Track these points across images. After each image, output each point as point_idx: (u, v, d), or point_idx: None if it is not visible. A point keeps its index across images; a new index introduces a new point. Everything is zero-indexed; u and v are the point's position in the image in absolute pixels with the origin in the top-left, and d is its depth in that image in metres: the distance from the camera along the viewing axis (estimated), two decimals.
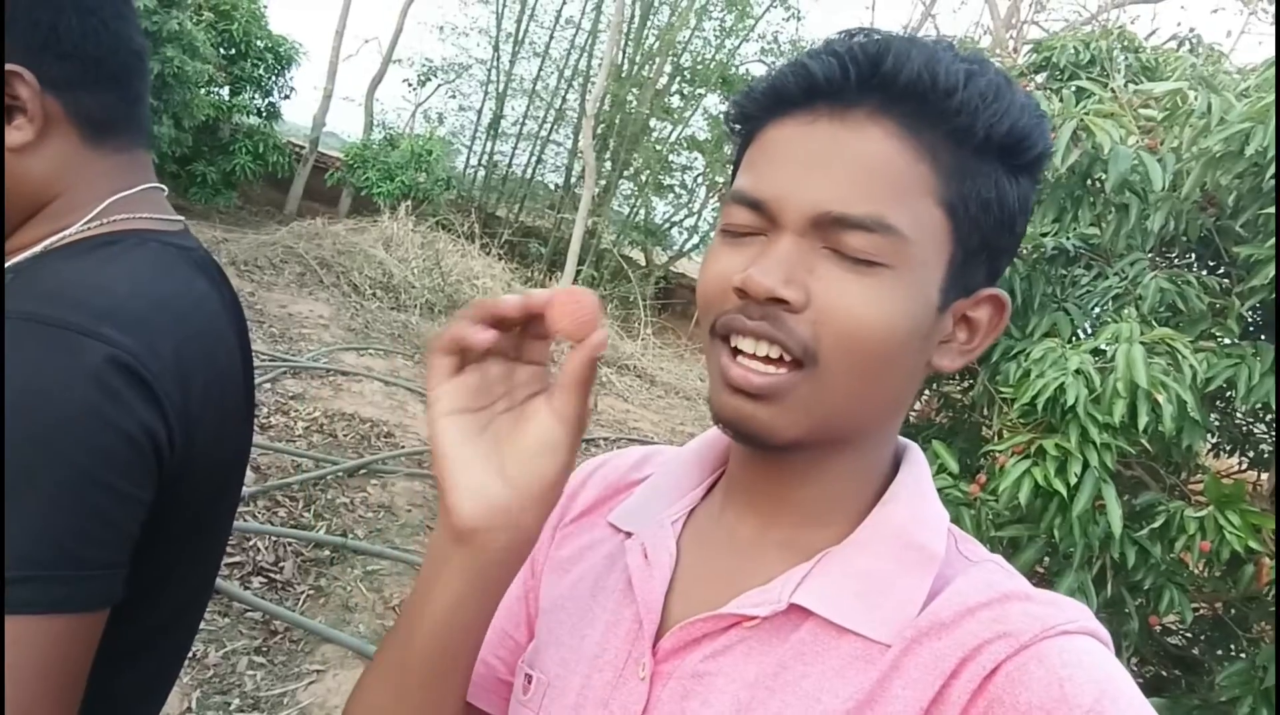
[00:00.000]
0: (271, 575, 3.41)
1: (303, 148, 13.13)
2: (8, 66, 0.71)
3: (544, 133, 14.59)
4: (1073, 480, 1.90)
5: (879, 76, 0.52)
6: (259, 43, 11.13)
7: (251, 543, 3.56)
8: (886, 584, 0.54)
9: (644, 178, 14.04)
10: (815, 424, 0.53)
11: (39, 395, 0.62)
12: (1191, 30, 3.12)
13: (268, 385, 5.57)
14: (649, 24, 13.81)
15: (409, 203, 10.93)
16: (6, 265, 0.74)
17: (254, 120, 11.55)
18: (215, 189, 10.87)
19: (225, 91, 11.21)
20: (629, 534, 0.65)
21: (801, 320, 0.51)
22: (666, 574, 0.61)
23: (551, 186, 15.10)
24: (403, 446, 5.31)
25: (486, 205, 14.21)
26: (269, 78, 11.47)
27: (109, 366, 0.65)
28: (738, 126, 0.59)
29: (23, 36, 0.72)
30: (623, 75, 13.40)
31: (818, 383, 0.52)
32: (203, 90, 9.78)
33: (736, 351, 0.53)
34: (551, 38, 14.49)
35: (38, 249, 0.74)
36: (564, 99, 14.49)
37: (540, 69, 14.59)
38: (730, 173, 0.62)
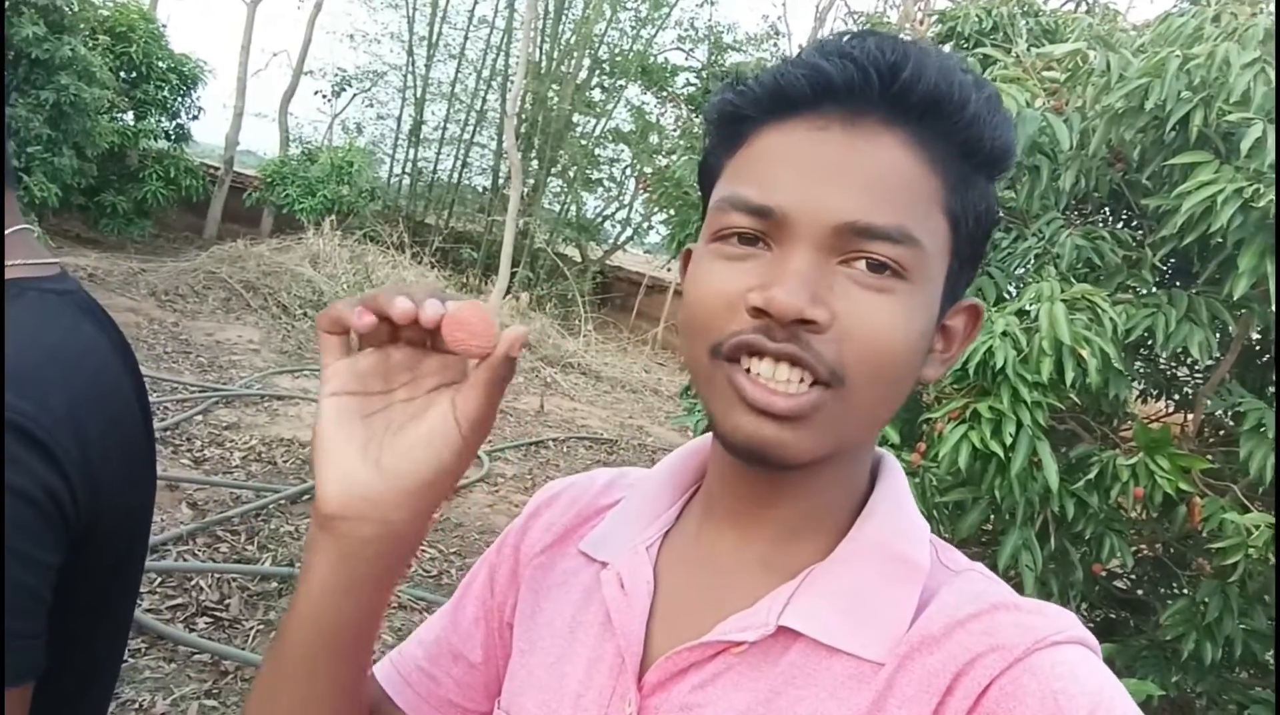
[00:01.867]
0: (217, 614, 3.29)
1: (217, 169, 12.74)
2: None
3: (467, 136, 14.40)
4: (1008, 440, 1.94)
5: (898, 85, 0.51)
6: (161, 64, 10.75)
7: (194, 582, 3.44)
8: (874, 600, 0.53)
9: (572, 174, 13.96)
10: (842, 440, 0.52)
11: None
12: None
13: (199, 417, 5.38)
14: (564, 19, 13.72)
15: (334, 217, 10.69)
16: None
17: (162, 144, 11.16)
18: (127, 219, 10.48)
19: (129, 117, 10.81)
20: (604, 564, 0.63)
21: (827, 340, 0.49)
22: (645, 603, 0.59)
23: (479, 189, 14.92)
24: None
25: (414, 214, 13.97)
26: (174, 99, 11.08)
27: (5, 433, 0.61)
28: (727, 126, 0.56)
29: None
30: (541, 72, 13.29)
31: (843, 403, 0.50)
32: (104, 117, 9.41)
33: (747, 371, 0.51)
34: (466, 39, 14.29)
35: None
36: (484, 100, 14.32)
37: (457, 71, 14.39)
38: (700, 172, 0.60)
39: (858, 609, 0.53)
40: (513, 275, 10.01)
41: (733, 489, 0.58)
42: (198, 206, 12.33)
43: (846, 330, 0.49)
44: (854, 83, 0.51)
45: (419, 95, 14.46)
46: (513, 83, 11.38)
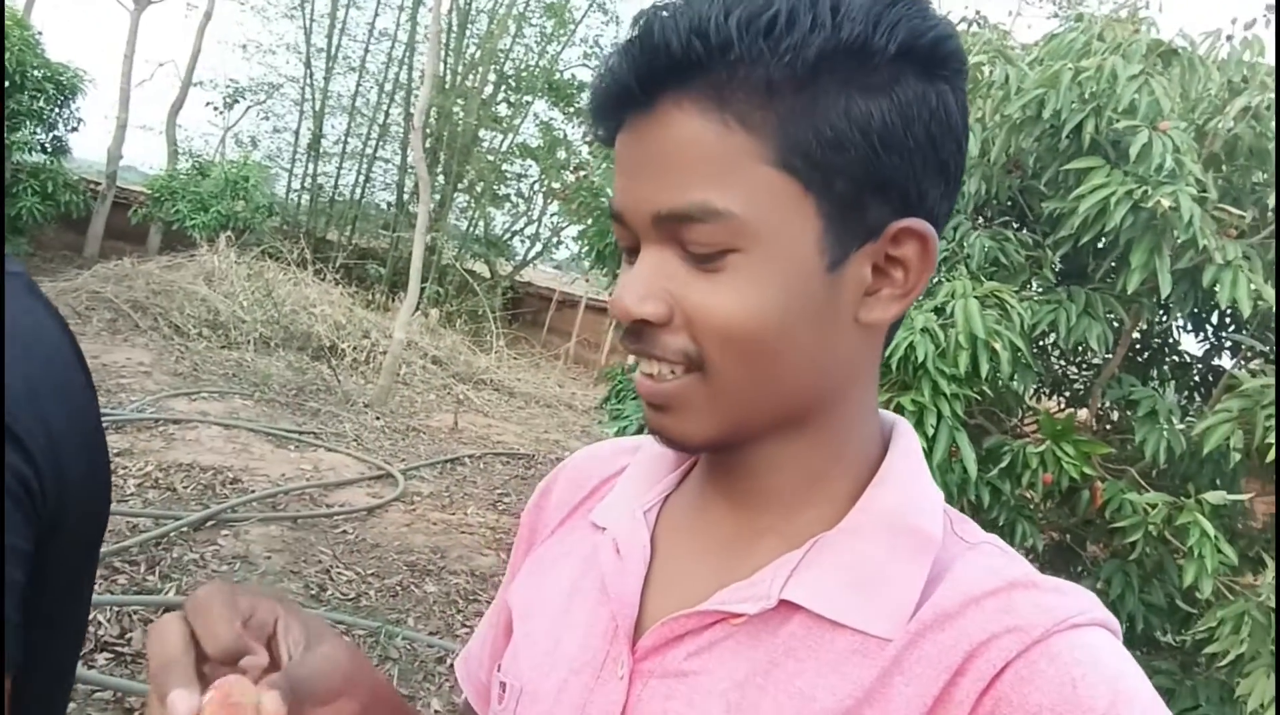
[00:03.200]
0: (118, 649, 3.10)
1: (98, 184, 12.07)
2: None
3: (369, 150, 14.11)
4: (930, 432, 2.02)
5: (657, 60, 0.48)
6: (36, 72, 10.14)
7: (91, 616, 3.23)
8: (882, 573, 0.51)
9: (479, 189, 13.84)
10: (724, 422, 0.51)
11: None
12: (978, 12, 3.41)
13: None
14: (468, 33, 13.62)
15: (229, 233, 10.27)
16: None
17: (38, 158, 10.51)
18: None
19: (10, 128, 10.14)
20: (604, 530, 0.62)
21: (673, 331, 0.50)
22: (641, 568, 0.58)
23: (384, 205, 14.62)
24: (252, 491, 4.97)
25: (315, 230, 13.56)
26: (51, 110, 10.47)
27: None
28: (605, 140, 0.56)
29: None
30: (446, 86, 13.14)
31: (711, 385, 0.50)
32: None
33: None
34: (367, 51, 14.03)
35: None
36: (387, 114, 14.06)
37: (358, 84, 14.09)
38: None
39: (864, 583, 0.51)
40: (421, 291, 9.82)
41: (715, 462, 0.59)
42: (78, 223, 11.65)
43: (688, 318, 0.49)
44: (624, 78, 0.49)
45: (318, 108, 14.09)
46: (417, 96, 11.22)
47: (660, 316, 0.49)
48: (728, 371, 0.49)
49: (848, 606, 0.50)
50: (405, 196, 13.94)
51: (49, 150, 10.61)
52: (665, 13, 0.48)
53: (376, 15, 13.95)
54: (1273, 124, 2.06)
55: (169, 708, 0.44)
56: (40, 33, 10.47)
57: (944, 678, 0.47)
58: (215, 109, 14.51)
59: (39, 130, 10.48)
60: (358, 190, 14.19)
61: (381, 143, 14.16)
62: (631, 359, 0.55)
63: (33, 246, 10.98)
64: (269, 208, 11.61)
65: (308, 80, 14.05)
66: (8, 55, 9.71)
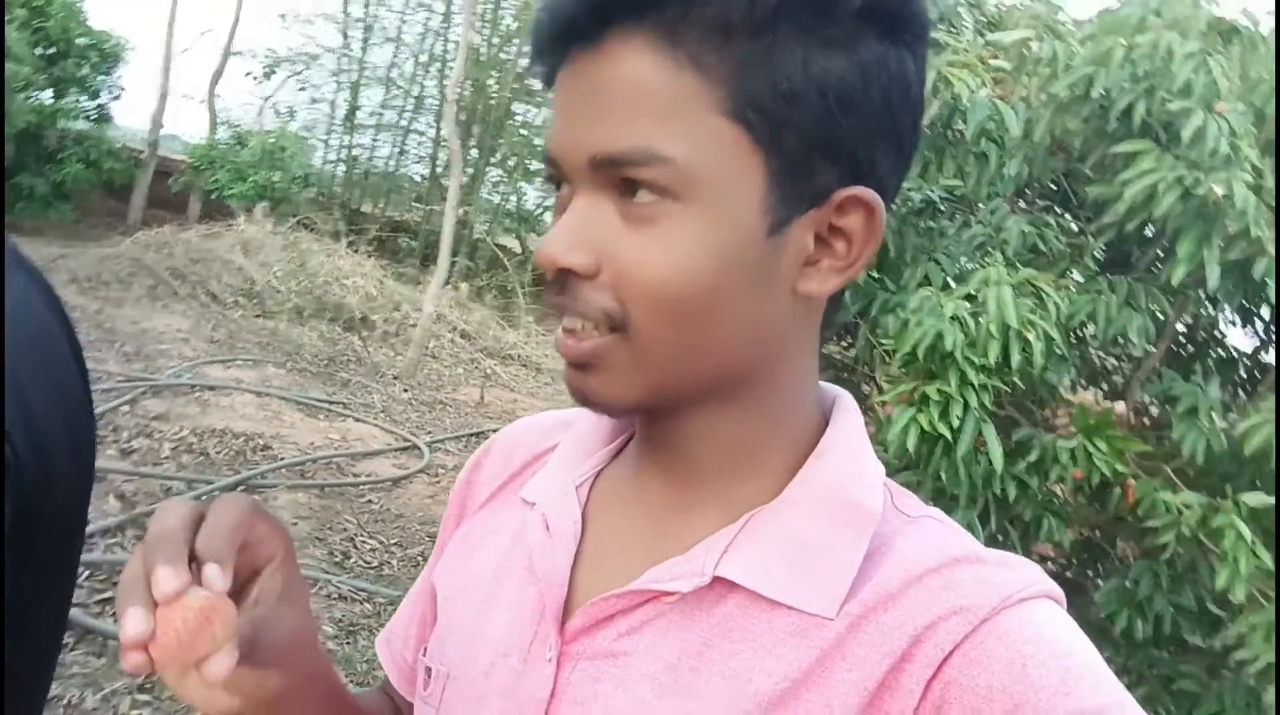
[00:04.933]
0: None
1: (141, 152, 12.23)
2: None
3: (404, 122, 14.12)
4: (955, 423, 1.97)
5: None
6: (80, 40, 10.29)
7: (119, 571, 3.30)
8: (819, 549, 0.49)
9: (511, 163, 13.81)
10: (648, 386, 0.48)
11: None
12: None
13: (126, 408, 5.16)
14: (504, 5, 13.54)
15: (265, 203, 10.37)
16: None
17: (83, 125, 10.67)
18: (46, 202, 10.00)
19: (47, 95, 10.30)
20: (533, 505, 0.60)
21: (598, 286, 0.47)
22: (571, 545, 0.55)
23: (417, 178, 14.65)
24: (282, 458, 5.04)
25: (350, 201, 13.64)
26: (95, 78, 10.63)
27: None
28: (545, 81, 0.52)
29: None
30: (481, 59, 13.08)
31: (634, 345, 0.47)
32: (21, 94, 8.95)
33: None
34: (404, 22, 13.99)
35: None
36: (422, 86, 14.05)
37: (395, 55, 14.08)
38: None
39: (801, 559, 0.49)
40: (452, 265, 9.84)
41: (646, 430, 0.56)
42: (121, 191, 11.83)
43: (615, 272, 0.46)
44: (568, 10, 0.46)
45: (354, 79, 14.12)
46: (452, 68, 11.19)
47: (587, 268, 0.46)
48: (652, 332, 0.46)
49: (784, 584, 0.48)
50: (438, 170, 13.96)
51: (93, 118, 10.78)
52: None
53: None
54: None
55: (154, 581, 0.43)
56: (84, 1, 10.59)
57: (888, 662, 0.46)
58: (254, 79, 14.60)
59: (83, 98, 10.64)
60: (392, 162, 14.24)
61: (416, 115, 14.17)
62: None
63: (77, 213, 11.17)
64: (305, 178, 11.69)
65: (345, 50, 14.08)
66: (53, 23, 9.84)
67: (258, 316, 8.54)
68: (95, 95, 10.78)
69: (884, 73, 0.46)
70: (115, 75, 10.90)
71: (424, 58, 13.97)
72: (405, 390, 7.43)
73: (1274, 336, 2.27)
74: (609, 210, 0.46)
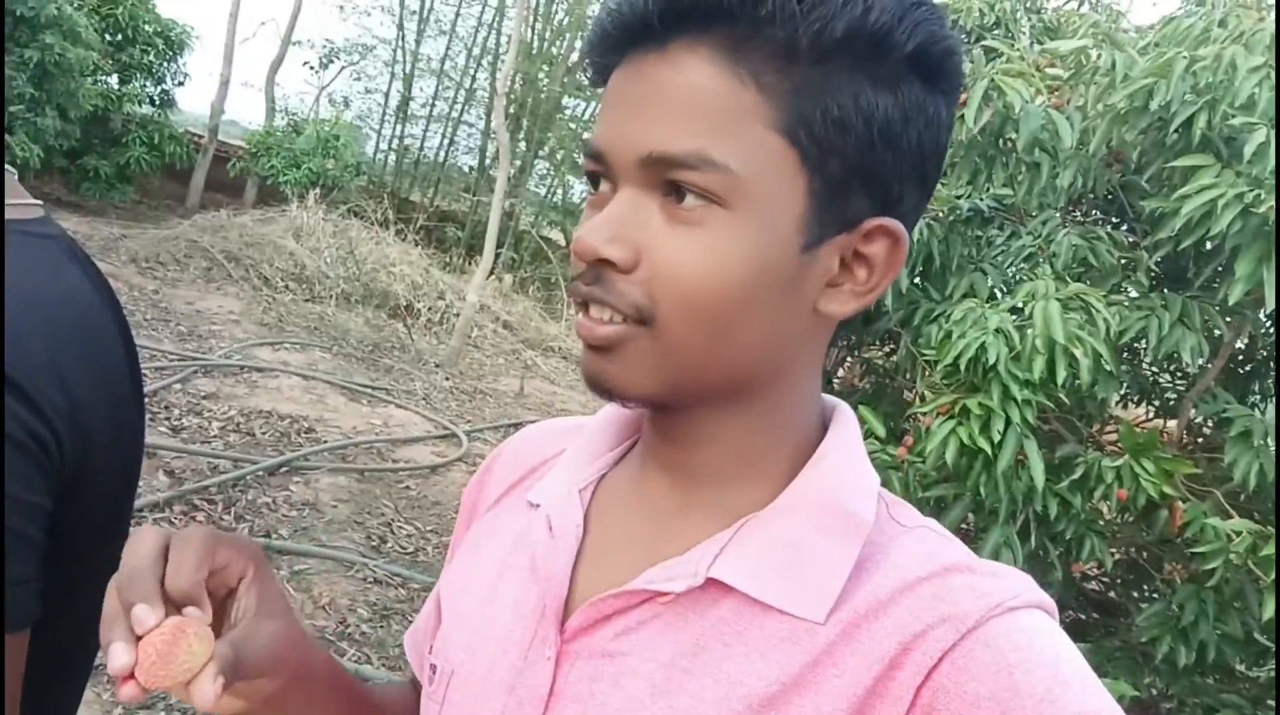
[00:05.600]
0: None
1: (201, 137, 12.53)
2: None
3: (455, 114, 14.25)
4: (996, 437, 1.93)
5: (687, 3, 0.47)
6: (147, 27, 10.54)
7: None
8: (810, 554, 0.50)
9: (559, 157, 13.86)
10: (666, 380, 0.50)
11: None
12: None
13: (178, 386, 5.30)
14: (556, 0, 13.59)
15: (318, 190, 10.55)
16: None
17: (147, 110, 10.95)
18: (109, 183, 10.28)
19: (114, 80, 10.60)
20: (537, 506, 0.62)
21: (632, 281, 0.48)
22: (572, 545, 0.57)
23: (466, 169, 14.79)
24: (325, 441, 5.14)
25: (400, 190, 13.82)
26: (160, 64, 10.88)
27: None
28: (593, 77, 0.55)
29: None
30: (533, 53, 13.15)
31: (658, 340, 0.49)
32: (89, 79, 9.21)
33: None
34: (458, 15, 14.13)
35: None
36: (474, 79, 14.17)
37: (448, 48, 14.22)
38: None
39: (793, 565, 0.50)
40: (497, 256, 9.93)
41: (651, 432, 0.57)
42: (181, 174, 12.14)
43: (652, 268, 0.48)
44: (641, 11, 0.48)
45: (408, 71, 14.29)
46: (503, 61, 11.26)
47: (625, 261, 0.48)
48: (680, 329, 0.48)
49: (775, 587, 0.50)
50: (487, 161, 14.07)
51: (157, 103, 11.05)
52: None
53: None
54: None
55: (134, 618, 0.46)
56: None
57: (877, 669, 0.46)
58: (311, 68, 14.87)
59: (148, 83, 10.91)
60: (442, 153, 14.39)
61: (467, 107, 14.29)
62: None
63: (139, 194, 11.49)
64: (357, 167, 11.86)
65: (399, 42, 14.26)
66: (121, 9, 10.11)
67: (307, 301, 8.70)
68: (160, 81, 11.04)
69: (921, 116, 0.49)
70: (180, 62, 11.16)
71: (476, 50, 14.08)
72: (447, 378, 7.51)
73: (1277, 339, 2.18)
74: (652, 208, 0.48)
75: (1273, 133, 1.75)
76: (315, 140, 11.24)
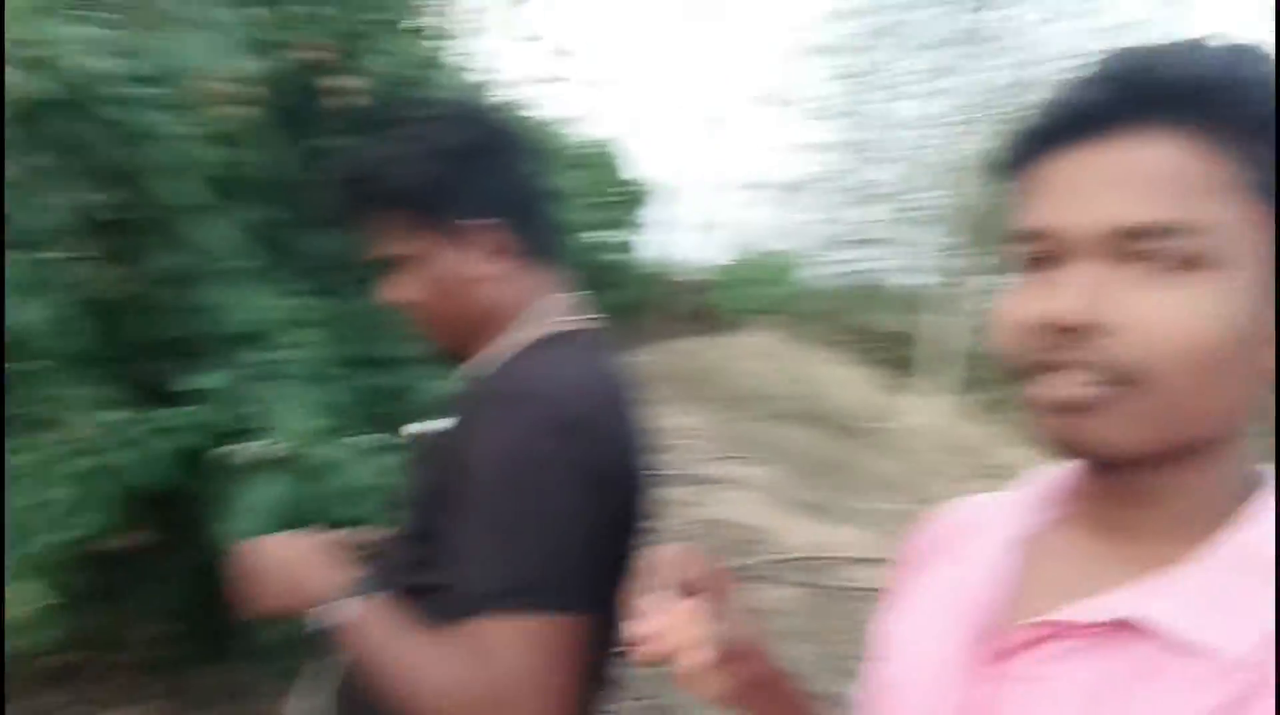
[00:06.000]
0: None
1: (665, 275, 14.23)
2: (479, 220, 0.95)
3: (906, 234, 14.31)
4: None
5: (1150, 89, 0.51)
6: (622, 187, 12.45)
7: None
8: (1235, 602, 0.51)
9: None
10: (1159, 436, 0.51)
11: (515, 452, 0.83)
12: None
13: None
14: (1007, 111, 13.10)
15: (774, 317, 11.24)
16: (485, 362, 0.98)
17: (619, 256, 12.80)
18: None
19: (594, 233, 12.62)
20: (968, 557, 0.67)
21: (1116, 343, 0.50)
22: (1005, 585, 0.61)
23: (919, 287, 14.64)
24: (774, 554, 5.23)
25: (850, 312, 14.13)
26: (631, 216, 12.71)
27: (558, 422, 0.84)
28: (1011, 164, 0.59)
29: (482, 194, 0.95)
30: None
31: (1150, 398, 0.50)
32: (576, 234, 11.08)
33: (1045, 384, 0.54)
34: (910, 138, 14.37)
35: (503, 350, 0.96)
36: (925, 197, 14.16)
37: (901, 170, 14.48)
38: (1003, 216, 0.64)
39: (1218, 608, 0.51)
40: (952, 377, 9.51)
41: (1094, 490, 0.60)
42: (648, 308, 13.88)
43: (1138, 329, 0.50)
44: (1106, 101, 0.52)
45: (858, 197, 14.78)
46: (955, 178, 11.08)
47: (1109, 325, 0.50)
48: (1175, 385, 0.50)
49: (1198, 632, 0.50)
50: (940, 280, 13.77)
51: (628, 249, 12.87)
52: (1163, 48, 0.52)
53: (924, 103, 14.23)
54: None
55: (651, 602, 0.64)
56: (628, 151, 12.86)
57: None
58: (766, 204, 16.18)
59: (621, 232, 12.80)
60: (893, 274, 14.45)
61: (918, 226, 14.26)
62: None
63: (612, 329, 13.30)
64: (809, 292, 12.43)
65: (850, 171, 14.87)
66: (604, 174, 12.09)
67: (761, 419, 9.17)
68: (631, 230, 12.89)
69: None
70: (648, 210, 12.93)
71: (927, 169, 14.11)
72: (898, 501, 7.25)
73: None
74: (1118, 275, 0.51)
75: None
76: (770, 270, 12.08)
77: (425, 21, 2.86)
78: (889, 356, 12.45)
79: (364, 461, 2.05)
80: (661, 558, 0.67)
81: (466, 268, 0.96)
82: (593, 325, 1.05)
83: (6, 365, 1.62)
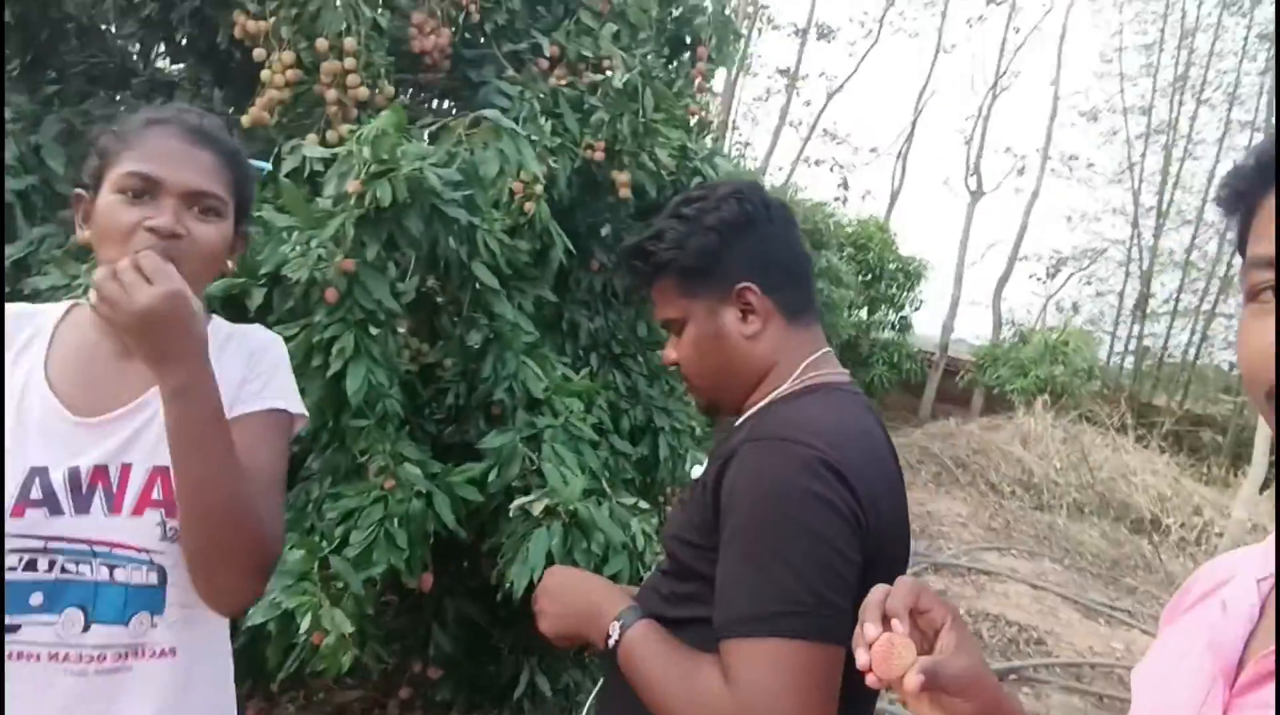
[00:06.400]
0: None
1: (933, 354, 13.65)
2: (744, 284, 1.05)
3: (1206, 306, 12.69)
4: None
5: None
6: (891, 266, 12.23)
7: None
8: None
9: None
10: None
11: (774, 488, 0.89)
12: None
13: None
14: None
15: (1046, 397, 10.36)
16: (750, 412, 1.06)
17: (888, 334, 12.50)
18: None
19: (864, 312, 12.45)
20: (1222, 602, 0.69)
21: None
22: (1245, 623, 0.64)
23: (1225, 367, 12.84)
24: (1056, 655, 4.70)
25: (1139, 394, 12.66)
26: (900, 294, 12.41)
27: (817, 462, 0.89)
28: (1236, 204, 0.63)
29: (747, 262, 1.06)
30: None
31: None
32: (846, 313, 11.00)
33: None
34: (1204, 203, 12.88)
35: (765, 401, 1.05)
36: (1229, 266, 12.51)
37: (1194, 238, 12.98)
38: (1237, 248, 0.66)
39: None
40: (1271, 465, 8.13)
41: None
42: (914, 387, 13.32)
43: None
44: None
45: (1145, 268, 13.40)
46: None
47: None
48: None
49: None
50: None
51: (896, 327, 12.54)
52: None
53: (1216, 163, 12.78)
54: None
55: (862, 631, 0.69)
56: (896, 233, 12.64)
57: None
58: (1038, 279, 15.12)
59: (890, 312, 12.51)
60: (1191, 351, 12.82)
61: (1223, 297, 12.60)
62: None
63: (879, 406, 12.89)
64: (1089, 372, 11.36)
65: (1134, 241, 13.56)
66: (871, 254, 11.95)
67: (1034, 508, 8.38)
68: (899, 308, 12.57)
69: None
70: (917, 291, 12.56)
71: (1231, 235, 12.51)
72: None
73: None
74: None
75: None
76: (1043, 348, 11.21)
77: (701, 114, 3.10)
78: (1188, 441, 10.94)
79: (622, 521, 2.17)
80: (890, 588, 0.70)
81: (733, 328, 1.06)
82: (849, 381, 1.11)
83: (340, 421, 1.93)
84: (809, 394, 1.03)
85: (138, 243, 0.89)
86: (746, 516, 0.89)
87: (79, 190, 0.98)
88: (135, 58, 3.11)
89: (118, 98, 2.89)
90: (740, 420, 1.06)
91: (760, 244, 1.07)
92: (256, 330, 1.08)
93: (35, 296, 2.11)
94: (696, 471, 1.09)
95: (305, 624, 1.71)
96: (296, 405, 1.05)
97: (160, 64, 3.25)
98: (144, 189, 0.91)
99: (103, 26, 3.02)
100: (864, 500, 0.90)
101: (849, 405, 1.04)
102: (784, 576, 0.85)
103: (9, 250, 2.27)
